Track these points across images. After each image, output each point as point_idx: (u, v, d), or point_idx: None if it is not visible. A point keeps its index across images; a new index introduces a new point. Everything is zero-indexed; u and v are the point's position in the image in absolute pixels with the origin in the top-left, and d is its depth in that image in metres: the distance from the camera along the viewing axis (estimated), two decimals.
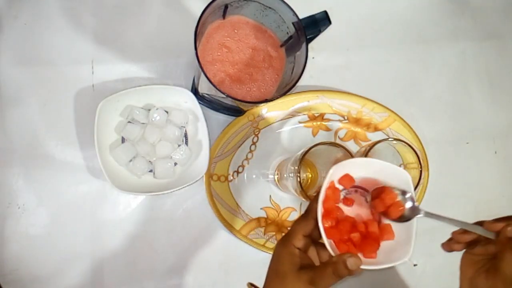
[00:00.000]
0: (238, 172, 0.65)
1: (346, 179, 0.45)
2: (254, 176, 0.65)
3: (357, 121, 0.67)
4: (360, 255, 0.41)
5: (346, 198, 0.46)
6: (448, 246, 0.46)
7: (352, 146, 0.67)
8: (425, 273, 0.69)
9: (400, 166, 0.64)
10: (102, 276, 0.61)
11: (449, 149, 0.72)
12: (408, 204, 0.44)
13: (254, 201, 0.65)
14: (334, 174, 0.44)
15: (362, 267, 0.39)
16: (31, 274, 0.59)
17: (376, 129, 0.67)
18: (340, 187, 0.46)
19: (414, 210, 0.44)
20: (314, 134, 0.67)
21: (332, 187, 0.45)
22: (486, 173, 0.73)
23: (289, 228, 0.45)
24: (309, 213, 0.44)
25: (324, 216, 0.43)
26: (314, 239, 0.44)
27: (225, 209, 0.63)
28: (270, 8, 0.50)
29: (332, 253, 0.40)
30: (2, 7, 0.62)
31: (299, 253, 0.43)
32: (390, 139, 0.61)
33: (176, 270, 0.63)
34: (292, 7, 0.48)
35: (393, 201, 0.44)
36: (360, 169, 0.45)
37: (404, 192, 0.44)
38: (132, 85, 0.60)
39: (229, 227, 0.62)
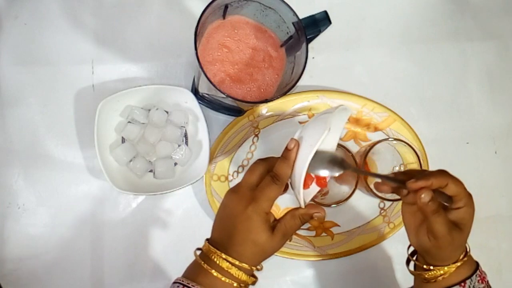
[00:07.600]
0: (238, 172, 0.65)
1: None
2: None
3: (357, 121, 0.67)
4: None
5: None
6: (377, 186, 0.49)
7: (352, 146, 0.67)
8: None
9: (400, 166, 0.64)
10: (102, 276, 0.61)
11: (449, 149, 0.72)
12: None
13: None
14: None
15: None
16: (31, 274, 0.59)
17: (376, 129, 0.67)
18: None
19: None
20: None
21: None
22: (486, 173, 0.73)
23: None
24: (282, 181, 0.45)
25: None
26: None
27: None
28: (270, 8, 0.50)
29: (303, 205, 0.45)
30: (2, 7, 0.62)
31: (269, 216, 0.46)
32: (390, 139, 0.61)
33: (176, 270, 0.62)
34: (292, 7, 0.48)
35: None
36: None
37: None
38: (132, 85, 0.60)
39: None
